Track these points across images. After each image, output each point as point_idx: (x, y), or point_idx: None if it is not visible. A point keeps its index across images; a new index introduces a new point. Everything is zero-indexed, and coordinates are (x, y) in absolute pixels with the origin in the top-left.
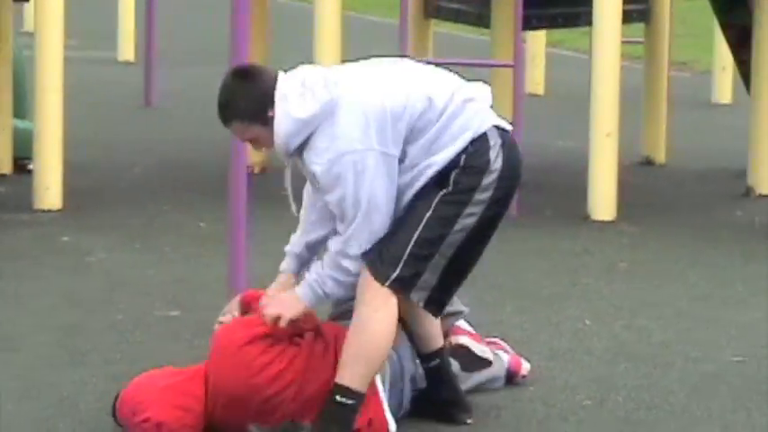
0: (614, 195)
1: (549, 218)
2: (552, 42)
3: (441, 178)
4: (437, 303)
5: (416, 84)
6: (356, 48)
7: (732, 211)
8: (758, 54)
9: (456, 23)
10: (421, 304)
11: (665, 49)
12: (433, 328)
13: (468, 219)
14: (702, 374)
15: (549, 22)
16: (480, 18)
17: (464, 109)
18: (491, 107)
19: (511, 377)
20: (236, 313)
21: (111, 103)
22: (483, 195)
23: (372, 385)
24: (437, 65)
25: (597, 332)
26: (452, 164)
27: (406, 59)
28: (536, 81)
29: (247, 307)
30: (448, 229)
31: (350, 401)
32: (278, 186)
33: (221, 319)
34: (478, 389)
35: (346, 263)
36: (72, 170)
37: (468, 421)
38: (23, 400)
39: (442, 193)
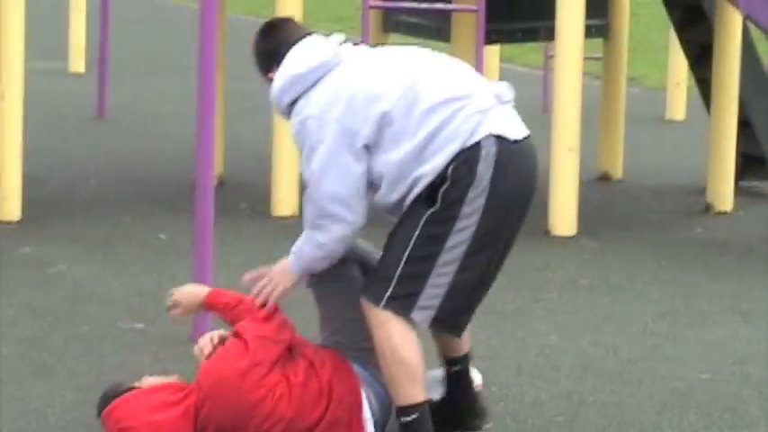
0: (575, 211)
1: None
2: (502, 58)
3: (429, 194)
4: (450, 324)
5: (411, 80)
6: None
7: (692, 227)
8: (717, 70)
9: (415, 38)
10: (425, 325)
11: (623, 64)
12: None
13: (460, 234)
14: (671, 392)
15: (509, 37)
16: (439, 32)
17: (455, 117)
18: (511, 111)
19: None
20: (197, 311)
21: (63, 114)
22: (471, 208)
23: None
24: None
25: (564, 348)
26: (440, 178)
27: (437, 53)
28: None
29: (210, 307)
30: (439, 246)
31: (413, 416)
32: (235, 199)
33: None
34: None
35: (307, 225)
36: (28, 181)
37: (486, 426)
38: None
39: (429, 212)
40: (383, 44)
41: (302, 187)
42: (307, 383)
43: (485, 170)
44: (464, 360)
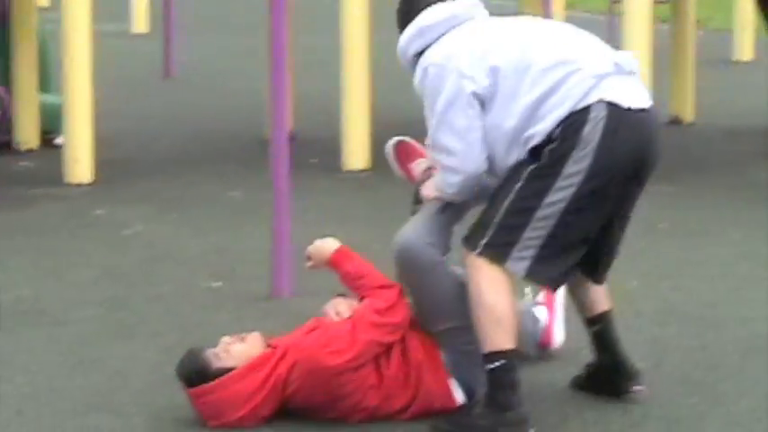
0: None
1: None
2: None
3: (535, 152)
4: (546, 277)
5: (528, 41)
6: (383, 14)
7: (767, 168)
8: None
9: None
10: (521, 274)
11: (691, 7)
12: (594, 293)
13: (560, 192)
14: (756, 335)
15: None
16: None
17: (567, 80)
18: (633, 81)
19: (540, 347)
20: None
21: (130, 75)
22: (574, 168)
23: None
24: None
25: (645, 293)
26: (548, 138)
27: (560, 23)
28: None
29: (333, 267)
30: (538, 201)
31: (497, 363)
32: (306, 154)
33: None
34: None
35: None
36: (99, 143)
37: (635, 389)
38: (75, 375)
39: (532, 166)
40: None
41: (374, 138)
42: (397, 374)
43: (591, 133)
44: (601, 320)
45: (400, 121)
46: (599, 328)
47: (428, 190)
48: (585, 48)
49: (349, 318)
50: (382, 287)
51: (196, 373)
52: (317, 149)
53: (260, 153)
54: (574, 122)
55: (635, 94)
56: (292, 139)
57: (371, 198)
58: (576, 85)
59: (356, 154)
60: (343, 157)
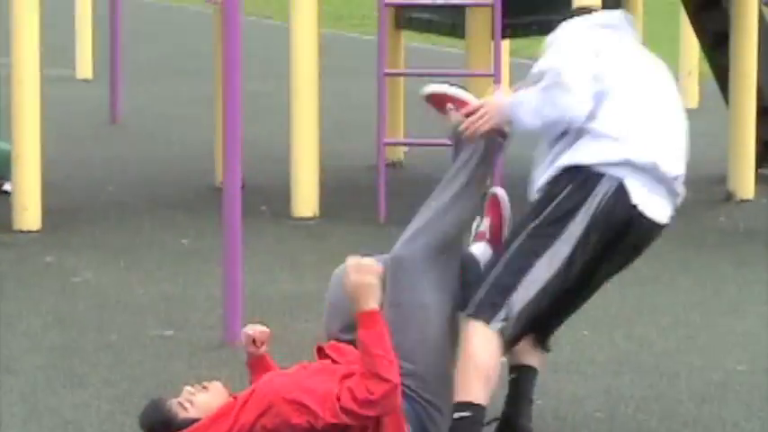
0: None
1: None
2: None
3: (539, 202)
4: (512, 339)
5: (625, 79)
6: (331, 62)
7: (715, 216)
8: (735, 59)
9: (427, 33)
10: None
11: None
12: (527, 343)
13: (557, 254)
14: (709, 384)
15: (524, 30)
16: (454, 27)
17: (611, 138)
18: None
19: None
20: None
21: (75, 121)
22: (577, 229)
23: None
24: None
25: (597, 342)
26: (558, 186)
27: (668, 84)
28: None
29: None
30: (531, 260)
31: (465, 413)
32: (255, 201)
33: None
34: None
35: (540, 88)
36: (47, 190)
37: None
38: (27, 425)
39: (532, 225)
40: (397, 41)
41: (323, 186)
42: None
43: (592, 199)
44: (523, 371)
45: (348, 168)
46: (515, 378)
47: (479, 123)
48: (656, 128)
49: (329, 375)
50: (376, 376)
51: (161, 424)
52: (265, 196)
53: (208, 199)
54: (587, 178)
55: (654, 204)
56: (242, 185)
57: (320, 245)
58: (614, 150)
59: (305, 201)
60: (292, 205)
